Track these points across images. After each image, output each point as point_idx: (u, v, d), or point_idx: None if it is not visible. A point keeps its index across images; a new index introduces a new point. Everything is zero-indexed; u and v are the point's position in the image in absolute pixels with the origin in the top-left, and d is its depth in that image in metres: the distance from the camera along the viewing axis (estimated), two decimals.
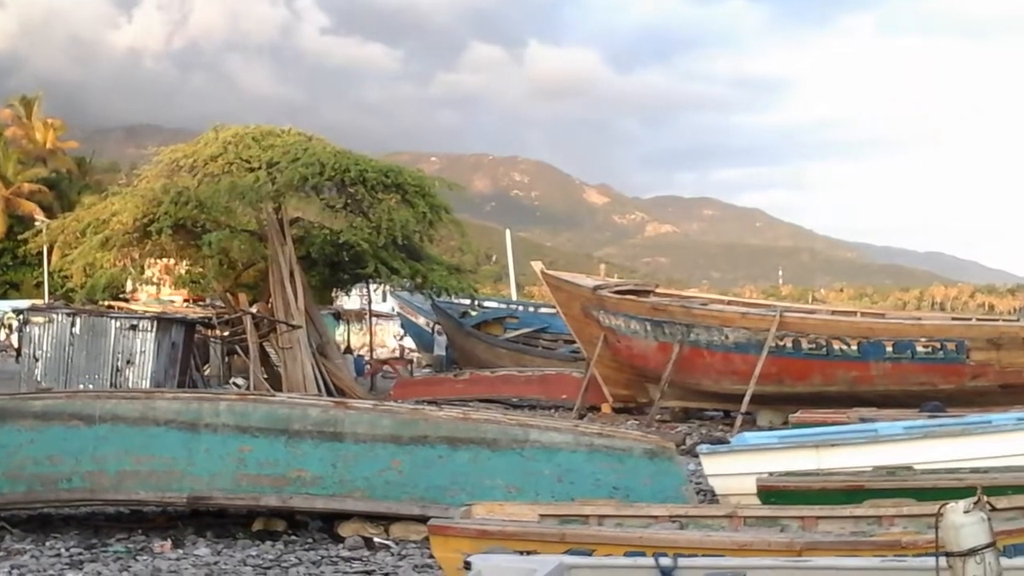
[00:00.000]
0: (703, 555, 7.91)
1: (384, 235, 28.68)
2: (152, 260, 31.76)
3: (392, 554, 11.69)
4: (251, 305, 29.73)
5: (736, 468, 12.32)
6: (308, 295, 28.87)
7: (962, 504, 4.81)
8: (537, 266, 27.87)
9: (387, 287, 40.07)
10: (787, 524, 9.17)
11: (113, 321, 26.09)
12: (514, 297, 54.53)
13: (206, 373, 30.91)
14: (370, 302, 40.16)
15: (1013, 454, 11.93)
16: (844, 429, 14.23)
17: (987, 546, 4.74)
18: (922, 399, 19.17)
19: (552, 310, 32.43)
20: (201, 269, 30.71)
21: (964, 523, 4.75)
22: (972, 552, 4.72)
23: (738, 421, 21.72)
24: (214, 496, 12.49)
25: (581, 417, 23.56)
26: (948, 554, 4.80)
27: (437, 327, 41.06)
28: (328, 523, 12.68)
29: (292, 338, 27.22)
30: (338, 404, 13.51)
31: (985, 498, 4.86)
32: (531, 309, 42.16)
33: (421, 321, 45.20)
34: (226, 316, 29.71)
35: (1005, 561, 6.72)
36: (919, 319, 24.76)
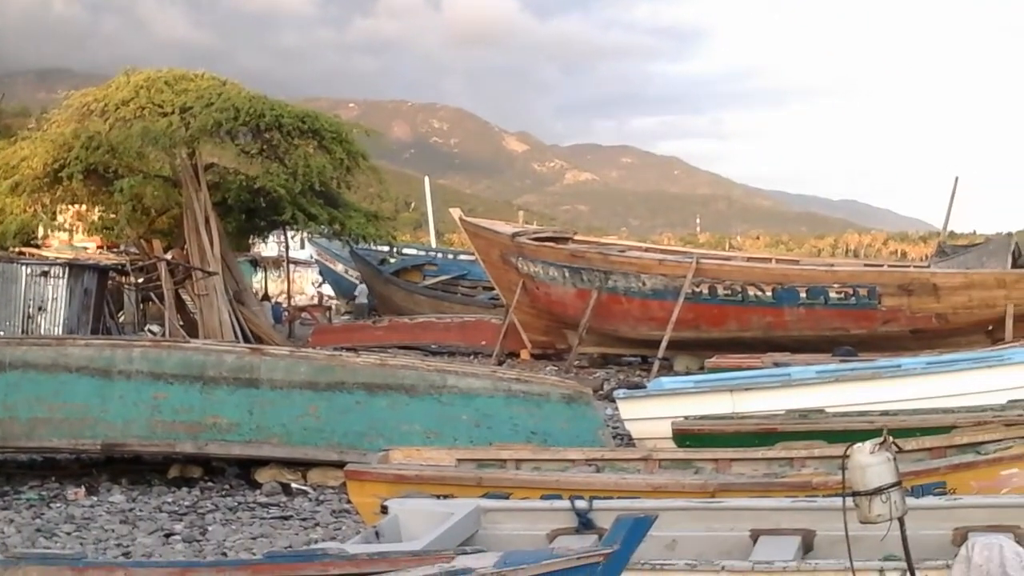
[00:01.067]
0: (618, 497, 7.99)
1: (301, 181, 28.41)
2: (64, 206, 31.14)
3: (310, 500, 11.69)
4: (166, 252, 29.29)
5: (652, 412, 12.44)
6: (224, 242, 28.55)
7: (868, 445, 4.89)
8: (456, 213, 27.82)
9: (305, 234, 39.79)
10: (701, 466, 9.29)
11: (24, 267, 25.60)
12: (433, 244, 54.40)
13: (120, 320, 30.49)
14: (287, 249, 39.81)
15: (922, 397, 12.18)
16: (758, 373, 14.44)
17: (893, 485, 4.83)
18: (835, 344, 19.52)
19: (471, 257, 32.44)
20: (114, 215, 30.14)
21: (870, 463, 4.84)
22: (878, 491, 4.82)
23: (655, 366, 21.93)
24: (128, 443, 12.39)
25: (500, 363, 23.63)
26: (855, 493, 4.89)
27: (356, 274, 40.88)
28: (245, 469, 12.64)
29: (208, 285, 26.95)
30: (254, 350, 13.43)
31: (891, 439, 4.95)
32: (450, 256, 42.11)
33: (339, 268, 45.01)
34: (140, 263, 29.27)
35: (911, 500, 6.86)
36: (832, 266, 25.11)
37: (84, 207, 31.23)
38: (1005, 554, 4.46)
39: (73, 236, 34.15)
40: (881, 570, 6.09)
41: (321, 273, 51.22)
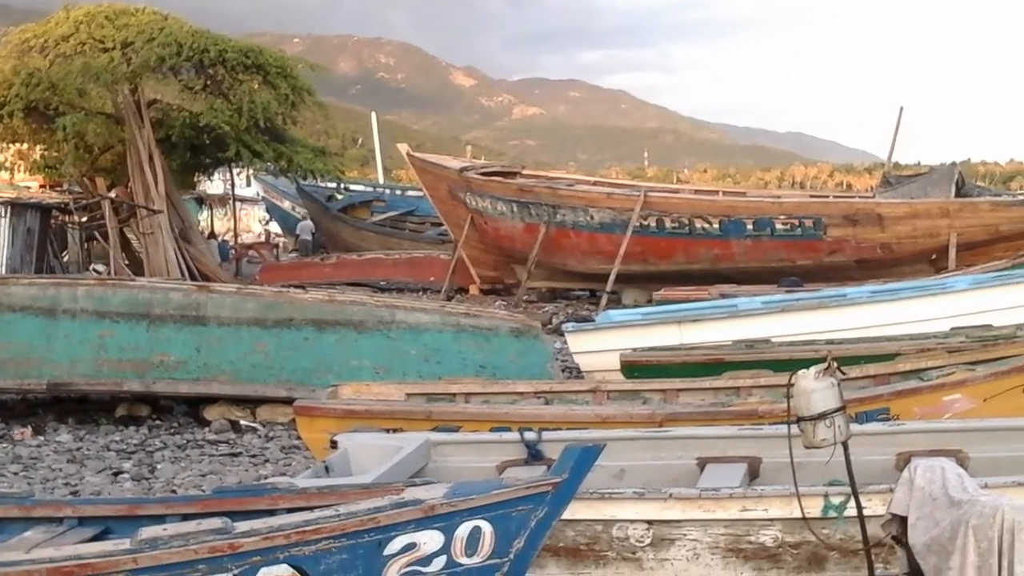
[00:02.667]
0: (567, 428, 8.05)
1: (246, 118, 28.05)
2: (4, 144, 30.62)
3: (259, 436, 11.68)
4: (110, 190, 28.88)
5: (601, 345, 12.50)
6: (169, 179, 28.20)
7: (812, 371, 4.94)
8: (403, 148, 27.65)
9: (251, 171, 39.40)
10: (649, 397, 9.37)
11: None
12: (381, 180, 54.09)
13: (64, 260, 30.14)
14: (233, 186, 39.38)
15: (866, 326, 12.32)
16: (705, 305, 14.53)
17: (837, 410, 4.88)
18: (781, 275, 19.68)
19: (419, 193, 32.27)
20: (57, 154, 29.67)
21: (814, 388, 4.88)
22: (822, 416, 4.86)
23: (603, 300, 22.01)
24: (75, 382, 12.30)
25: (449, 299, 23.62)
26: (800, 419, 4.94)
27: (303, 212, 40.60)
28: (193, 407, 12.61)
29: (153, 223, 26.65)
30: (201, 288, 13.34)
31: (835, 365, 5.00)
32: (398, 192, 41.91)
33: (286, 205, 44.67)
34: (84, 201, 28.90)
35: (855, 427, 6.96)
36: (778, 197, 25.24)
37: (25, 145, 30.70)
38: (947, 476, 4.53)
39: (14, 175, 33.57)
40: (826, 495, 6.19)
41: (268, 211, 50.81)
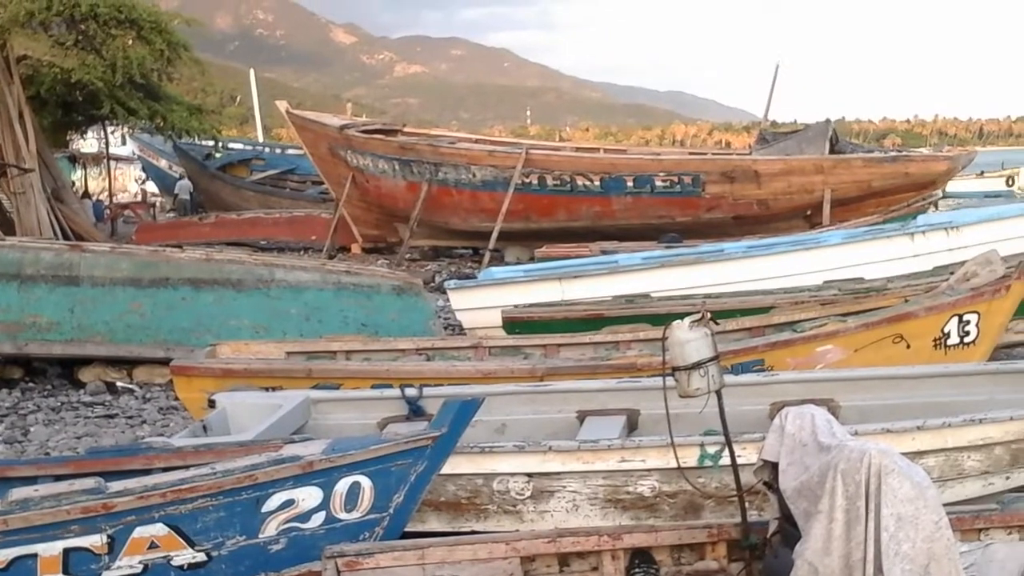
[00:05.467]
0: (448, 384, 8.07)
1: (120, 74, 27.36)
2: None
3: (136, 398, 11.49)
4: None
5: (483, 302, 12.53)
6: (40, 137, 27.42)
7: (686, 322, 5.00)
8: (282, 106, 27.26)
9: (126, 129, 38.50)
10: (530, 352, 9.43)
11: None
12: (260, 139, 53.32)
13: None
14: (107, 144, 38.46)
15: (743, 280, 12.56)
16: (586, 261, 14.64)
17: (710, 360, 4.95)
18: (661, 232, 19.89)
19: (300, 151, 31.89)
20: None
21: (688, 339, 4.94)
22: (696, 366, 4.93)
23: (486, 258, 22.04)
24: None
25: (331, 258, 23.42)
26: (675, 369, 5.00)
27: (180, 170, 39.85)
28: (68, 369, 12.35)
29: (24, 183, 25.90)
30: (73, 247, 13.01)
31: (708, 315, 5.07)
32: (278, 151, 41.34)
33: (163, 164, 43.79)
34: None
35: (730, 378, 7.07)
36: (658, 155, 25.44)
37: None
38: (816, 422, 4.63)
39: None
40: (702, 444, 6.31)
41: (144, 169, 49.76)
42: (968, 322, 8.39)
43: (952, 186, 38.14)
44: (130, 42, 28.28)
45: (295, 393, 7.73)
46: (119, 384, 11.91)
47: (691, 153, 27.64)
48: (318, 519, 5.09)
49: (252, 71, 65.07)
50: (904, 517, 4.19)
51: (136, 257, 12.37)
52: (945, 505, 4.57)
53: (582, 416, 7.51)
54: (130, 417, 10.67)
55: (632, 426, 7.40)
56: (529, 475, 6.41)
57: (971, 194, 43.79)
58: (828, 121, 23.78)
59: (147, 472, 5.49)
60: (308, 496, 5.05)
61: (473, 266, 22.41)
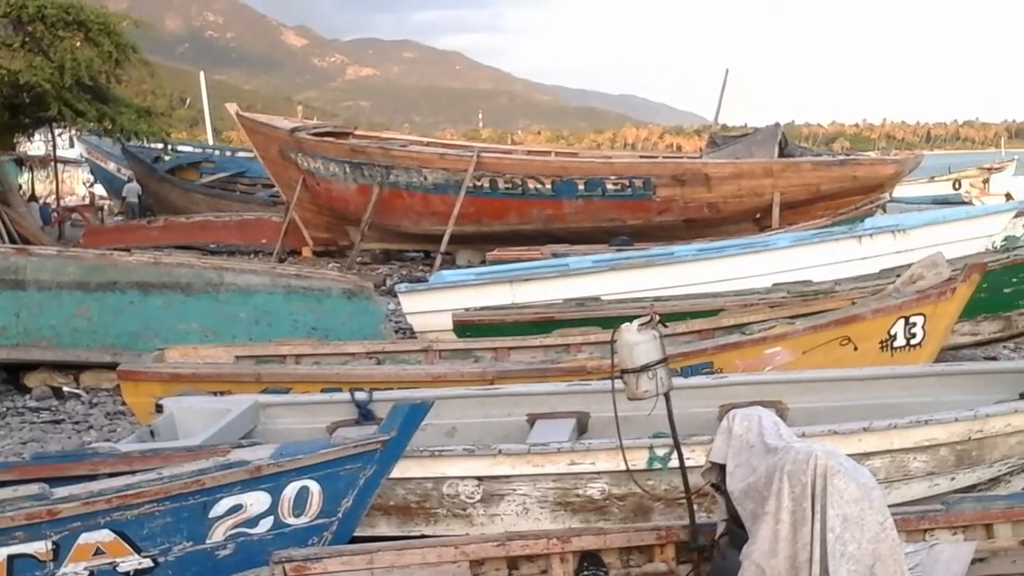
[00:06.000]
0: (399, 388, 8.06)
1: (68, 76, 27.12)
2: None
3: (83, 403, 11.38)
4: None
5: (434, 305, 12.52)
6: None
7: (635, 324, 5.01)
8: (232, 108, 27.06)
9: (73, 132, 38.15)
10: (481, 355, 9.43)
11: None
12: (210, 142, 52.92)
13: None
14: (55, 147, 38.08)
15: (693, 283, 12.62)
16: (537, 264, 14.65)
17: (659, 362, 4.97)
18: (612, 234, 19.95)
19: (250, 154, 31.68)
20: None
21: (636, 341, 4.96)
22: (645, 368, 4.94)
23: (437, 261, 21.99)
24: None
25: (281, 261, 23.32)
26: (624, 372, 5.02)
27: (129, 173, 39.49)
28: (13, 374, 12.20)
29: None
30: (19, 250, 12.88)
31: (657, 318, 5.08)
32: (228, 153, 41.04)
33: (111, 167, 43.33)
34: None
35: (680, 380, 7.11)
36: (609, 158, 25.51)
37: None
38: (763, 424, 4.66)
39: None
40: (651, 447, 6.33)
41: (92, 172, 49.26)
42: (914, 324, 8.47)
43: (900, 191, 38.58)
44: (78, 44, 28.04)
45: (244, 397, 7.68)
46: (66, 389, 11.79)
47: (642, 156, 27.75)
48: (266, 524, 5.06)
49: (202, 73, 64.64)
50: (850, 518, 4.23)
51: (83, 261, 12.25)
52: (891, 506, 4.61)
53: (532, 419, 7.52)
54: (77, 422, 10.56)
55: (582, 429, 7.41)
56: (479, 479, 6.41)
57: (920, 199, 44.31)
58: (777, 125, 23.94)
59: (93, 478, 5.43)
60: (256, 501, 5.03)
61: (424, 269, 22.36)
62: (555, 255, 16.02)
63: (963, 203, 38.45)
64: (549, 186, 22.22)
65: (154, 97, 54.22)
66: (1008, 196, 34.84)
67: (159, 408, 7.54)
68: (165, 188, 35.87)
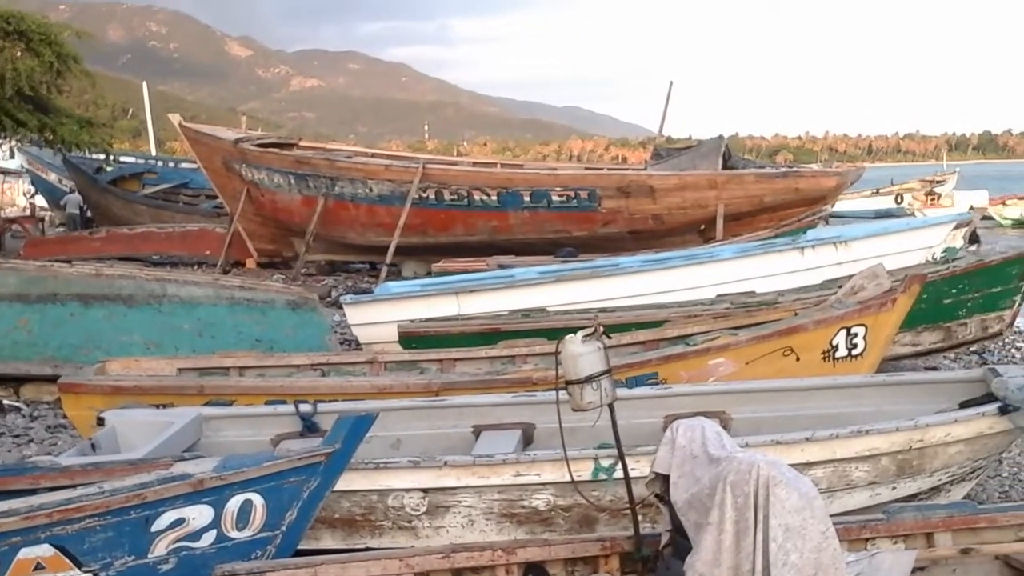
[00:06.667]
0: (344, 400, 8.02)
1: (8, 86, 26.84)
2: None
3: (23, 416, 11.22)
4: None
5: (379, 317, 12.49)
6: None
7: (579, 335, 5.03)
8: (175, 119, 26.84)
9: (14, 142, 37.73)
10: (426, 367, 9.42)
11: None
12: (153, 152, 52.52)
13: None
14: None
15: (638, 294, 12.68)
16: (483, 276, 14.65)
17: (603, 373, 4.98)
18: (558, 246, 20.01)
19: (193, 165, 31.45)
20: None
21: (580, 353, 4.97)
22: (589, 379, 4.96)
23: (383, 272, 21.93)
24: None
25: (225, 272, 23.15)
26: (568, 383, 5.03)
27: (70, 184, 39.09)
28: None
29: None
30: None
31: (601, 329, 5.10)
32: (171, 164, 40.71)
33: (52, 178, 42.87)
34: None
35: (624, 391, 7.16)
36: (554, 170, 25.57)
37: None
38: (707, 434, 4.69)
39: None
40: (596, 457, 6.35)
41: (33, 183, 48.72)
42: (856, 335, 8.55)
43: (844, 204, 38.99)
44: (19, 54, 27.76)
45: (186, 410, 7.62)
46: (5, 402, 11.62)
47: (587, 168, 27.80)
48: (209, 538, 5.02)
49: (145, 84, 64.18)
50: (792, 528, 4.26)
51: (23, 272, 12.11)
52: (833, 515, 4.66)
53: (478, 431, 7.52)
54: (17, 436, 10.41)
55: (528, 440, 7.42)
56: (424, 491, 6.40)
57: (863, 213, 44.84)
58: (721, 137, 24.08)
59: (33, 492, 5.36)
60: (199, 514, 4.99)
61: (370, 281, 22.29)
62: (501, 266, 16.05)
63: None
64: (495, 198, 22.24)
65: (96, 108, 53.84)
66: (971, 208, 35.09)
67: (100, 421, 7.46)
68: (107, 199, 35.52)
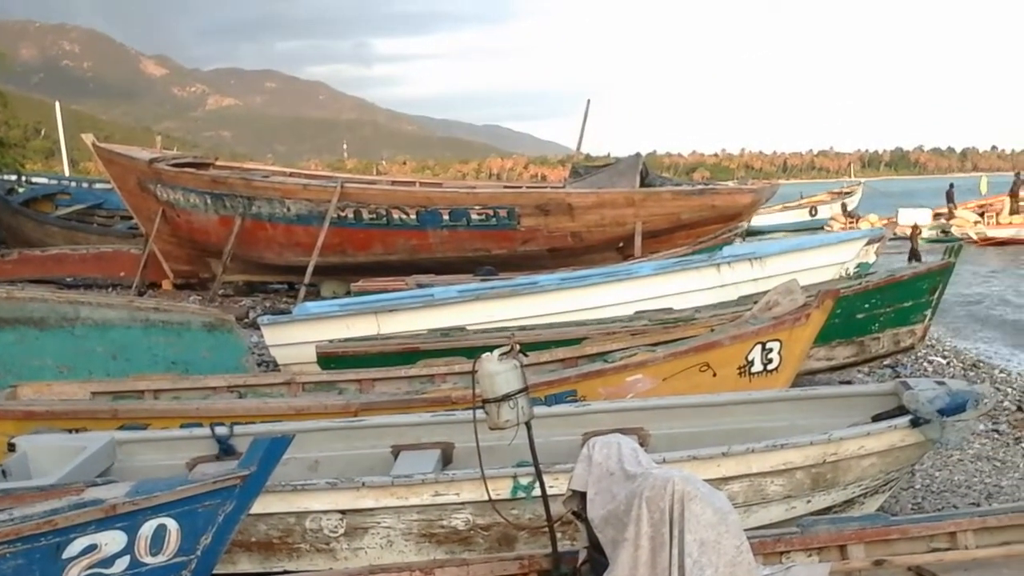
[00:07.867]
0: (261, 422, 7.95)
1: None
2: None
3: None
4: None
5: (297, 337, 12.41)
6: None
7: (495, 354, 5.04)
8: (88, 139, 26.47)
9: None
10: (345, 387, 9.38)
11: None
12: (67, 173, 51.80)
13: None
14: None
15: (557, 312, 12.73)
16: (402, 295, 14.63)
17: (519, 391, 5.00)
18: (478, 264, 20.01)
19: (108, 186, 31.06)
20: None
21: (497, 371, 4.99)
22: (506, 397, 4.97)
23: (302, 292, 21.77)
24: None
25: (140, 294, 22.84)
26: (485, 401, 5.04)
27: None
28: None
29: None
30: None
31: (517, 347, 5.12)
32: (85, 185, 40.22)
33: None
34: None
35: (543, 408, 7.19)
36: (473, 188, 25.59)
37: None
38: (623, 451, 4.72)
39: None
40: (515, 476, 6.36)
41: None
42: (771, 350, 8.65)
43: (759, 219, 39.47)
44: None
45: (99, 435, 7.50)
46: None
47: (506, 187, 27.86)
48: (122, 564, 4.95)
49: (57, 103, 63.21)
50: (707, 542, 4.30)
51: None
52: (749, 529, 4.70)
53: (396, 451, 7.49)
54: None
55: (447, 459, 7.41)
56: (342, 512, 6.36)
57: (781, 226, 45.61)
58: (639, 155, 24.26)
59: None
60: (111, 540, 4.91)
61: (288, 301, 22.10)
62: (420, 285, 16.02)
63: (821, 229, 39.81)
64: (414, 216, 22.21)
65: (7, 128, 52.98)
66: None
67: (11, 447, 7.32)
68: (19, 220, 34.90)
